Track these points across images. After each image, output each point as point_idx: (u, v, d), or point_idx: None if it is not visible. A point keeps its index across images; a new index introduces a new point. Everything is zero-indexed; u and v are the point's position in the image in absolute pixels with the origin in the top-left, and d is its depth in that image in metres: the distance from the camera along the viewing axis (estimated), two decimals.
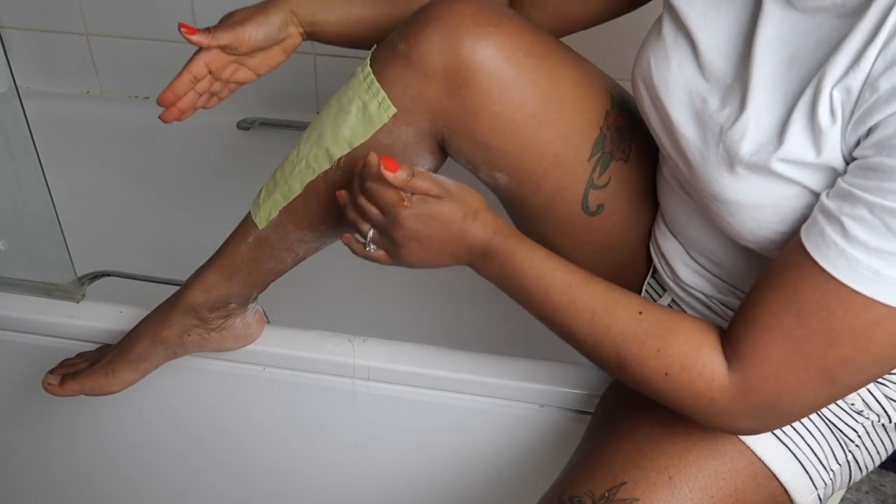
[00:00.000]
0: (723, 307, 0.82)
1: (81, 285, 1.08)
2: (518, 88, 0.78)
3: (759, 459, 0.76)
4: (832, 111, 0.62)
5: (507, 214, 0.90)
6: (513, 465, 1.06)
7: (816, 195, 0.65)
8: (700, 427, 0.74)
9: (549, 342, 0.96)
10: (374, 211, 0.75)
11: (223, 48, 0.87)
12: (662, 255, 0.86)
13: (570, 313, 0.73)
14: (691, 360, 0.68)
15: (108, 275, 1.15)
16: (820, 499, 0.79)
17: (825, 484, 0.78)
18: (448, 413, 1.03)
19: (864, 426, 0.78)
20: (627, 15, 0.89)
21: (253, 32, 0.86)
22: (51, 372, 0.99)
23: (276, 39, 0.88)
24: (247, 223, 0.90)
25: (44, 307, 1.07)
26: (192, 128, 1.51)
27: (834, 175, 0.64)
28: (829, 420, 0.78)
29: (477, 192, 0.77)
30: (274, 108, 1.52)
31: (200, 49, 0.87)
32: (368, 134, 0.81)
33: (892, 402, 0.77)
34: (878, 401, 0.77)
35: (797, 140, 0.64)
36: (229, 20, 0.87)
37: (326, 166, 0.83)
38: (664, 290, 0.89)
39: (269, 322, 1.03)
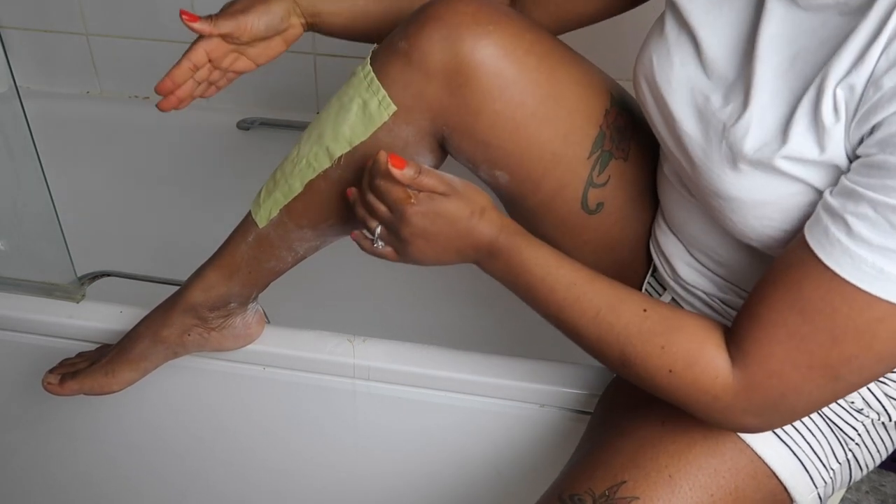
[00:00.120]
0: (723, 305, 0.82)
1: (81, 285, 1.08)
2: (518, 87, 0.78)
3: (759, 458, 0.76)
4: (836, 109, 0.62)
5: (508, 213, 0.90)
6: (513, 465, 1.06)
7: (819, 193, 0.65)
8: (700, 425, 0.74)
9: (550, 342, 0.96)
10: (382, 208, 0.76)
11: (224, 37, 0.86)
12: (662, 254, 0.86)
13: (575, 311, 0.73)
14: (695, 356, 0.68)
15: (108, 275, 1.14)
16: (820, 497, 0.79)
17: (825, 482, 0.78)
18: (448, 413, 1.03)
19: (864, 424, 0.78)
20: (628, 14, 0.90)
21: (255, 22, 0.86)
22: (51, 371, 0.99)
23: (277, 29, 0.88)
24: (247, 222, 0.90)
25: (44, 307, 1.07)
26: (192, 128, 1.52)
27: (837, 173, 0.64)
28: (829, 418, 0.78)
29: (483, 190, 0.78)
30: (274, 108, 1.52)
31: (200, 37, 0.86)
32: (369, 132, 0.81)
33: (892, 400, 0.77)
34: (878, 399, 0.77)
35: (800, 138, 0.64)
36: (231, 9, 0.86)
37: (327, 165, 0.83)
38: (664, 288, 0.89)
39: (269, 322, 1.03)
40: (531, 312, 0.80)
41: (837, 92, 0.62)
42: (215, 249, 0.94)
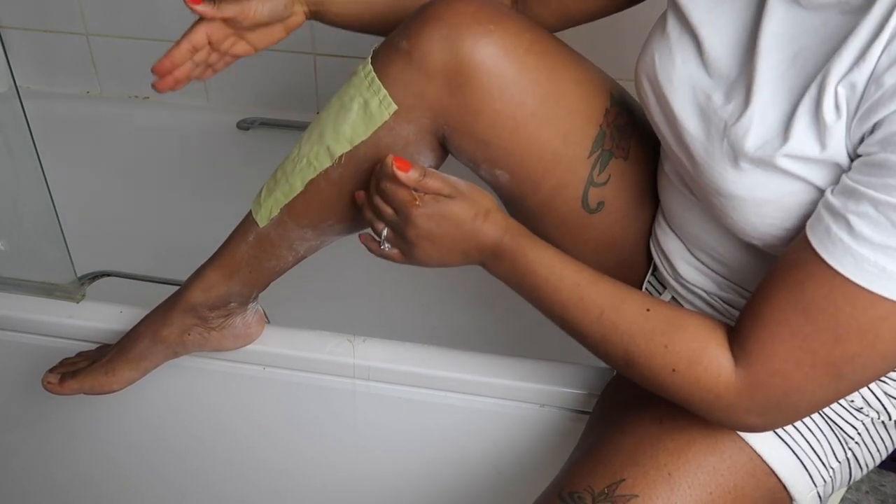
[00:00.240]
0: (724, 304, 0.82)
1: (81, 285, 1.08)
2: (518, 86, 0.78)
3: (759, 456, 0.76)
4: (837, 107, 0.62)
5: (508, 213, 0.90)
6: (513, 465, 1.06)
7: (820, 191, 0.65)
8: (699, 424, 0.74)
9: (550, 342, 0.97)
10: (388, 210, 0.77)
11: (226, 21, 0.85)
12: (663, 253, 0.86)
13: (579, 311, 0.73)
14: (698, 356, 0.68)
15: (108, 275, 1.15)
16: (819, 496, 0.79)
17: (825, 481, 0.78)
18: (448, 413, 1.03)
19: (863, 423, 0.78)
20: (629, 14, 0.90)
21: (259, 7, 0.85)
22: (51, 370, 0.99)
23: (280, 16, 0.88)
24: (248, 222, 0.90)
25: (44, 307, 1.07)
26: (192, 128, 1.52)
27: (838, 171, 0.64)
28: (829, 417, 0.78)
29: (488, 192, 0.78)
30: (274, 108, 1.52)
31: (202, 19, 0.85)
32: (369, 131, 0.81)
33: (891, 399, 0.77)
34: (877, 398, 0.77)
35: (802, 136, 0.64)
36: None
37: (328, 164, 0.83)
38: (664, 287, 0.89)
39: (269, 322, 1.03)
40: (531, 312, 0.80)
41: (839, 90, 0.62)
42: (215, 249, 0.94)
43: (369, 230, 0.83)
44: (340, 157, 0.83)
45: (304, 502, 1.19)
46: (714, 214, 0.74)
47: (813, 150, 0.64)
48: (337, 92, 0.84)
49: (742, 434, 0.76)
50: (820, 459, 0.77)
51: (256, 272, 0.92)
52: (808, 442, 0.77)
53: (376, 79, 0.79)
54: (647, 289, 0.93)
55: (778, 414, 0.68)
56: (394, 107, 0.79)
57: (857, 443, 0.79)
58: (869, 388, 0.77)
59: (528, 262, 0.76)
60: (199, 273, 0.94)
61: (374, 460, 1.11)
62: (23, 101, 0.99)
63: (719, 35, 0.72)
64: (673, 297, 0.88)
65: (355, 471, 1.13)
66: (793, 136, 0.64)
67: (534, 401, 0.99)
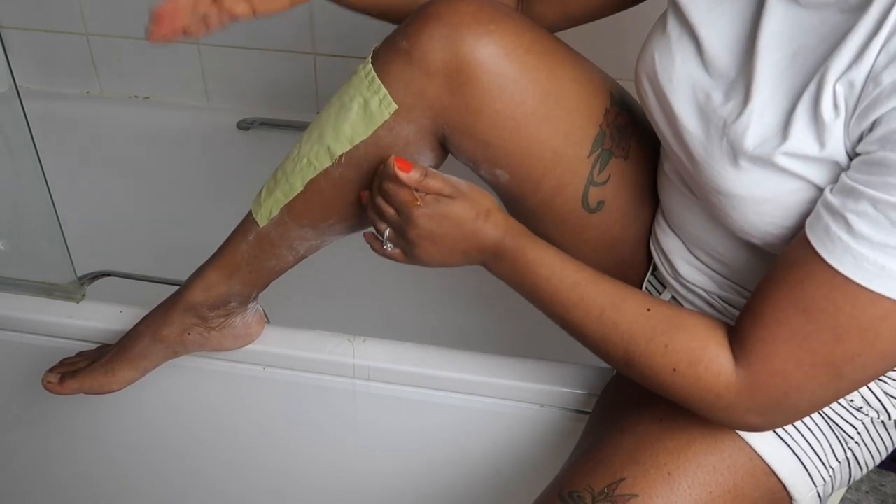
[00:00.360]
0: (724, 304, 0.82)
1: (81, 285, 1.08)
2: (518, 86, 0.78)
3: (758, 456, 0.76)
4: (835, 105, 0.62)
5: (508, 212, 0.90)
6: (513, 465, 1.06)
7: (819, 189, 0.65)
8: (699, 423, 0.74)
9: (550, 342, 0.97)
10: (390, 210, 0.78)
11: None
12: (663, 252, 0.86)
13: (579, 310, 0.73)
14: (698, 355, 0.68)
15: (108, 275, 1.15)
16: (819, 496, 0.79)
17: (824, 481, 0.78)
18: (448, 413, 1.03)
19: (863, 423, 0.78)
20: (629, 14, 0.90)
21: None
22: (51, 370, 0.99)
23: None
24: (248, 221, 0.90)
25: (44, 307, 1.07)
26: (192, 128, 1.52)
27: (837, 170, 0.64)
28: (829, 417, 0.78)
29: (489, 193, 0.79)
30: (274, 108, 1.52)
31: None
32: (370, 131, 0.81)
33: (891, 398, 0.77)
34: (877, 397, 0.77)
35: (801, 134, 0.64)
36: None
37: (328, 163, 0.83)
38: (664, 286, 0.89)
39: (269, 322, 1.03)
40: (531, 312, 0.80)
41: (837, 88, 0.62)
42: (215, 249, 0.94)
43: (373, 229, 0.83)
44: (340, 156, 0.83)
45: (304, 502, 1.19)
46: (714, 213, 0.74)
47: (812, 148, 0.64)
48: (337, 92, 0.84)
49: (742, 434, 0.76)
50: (820, 459, 0.77)
51: (256, 272, 0.92)
52: (807, 442, 0.77)
53: (376, 78, 0.79)
54: (646, 288, 0.93)
55: (778, 413, 0.68)
56: (394, 106, 0.79)
57: (856, 442, 0.79)
58: (868, 387, 0.77)
59: (528, 263, 0.76)
60: (199, 273, 0.94)
61: (374, 460, 1.11)
62: (23, 101, 0.99)
63: (719, 34, 0.72)
64: (673, 297, 0.88)
65: (355, 471, 1.13)
66: (792, 134, 0.64)
67: (534, 401, 0.99)
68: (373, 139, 0.81)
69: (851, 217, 0.60)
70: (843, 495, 1.26)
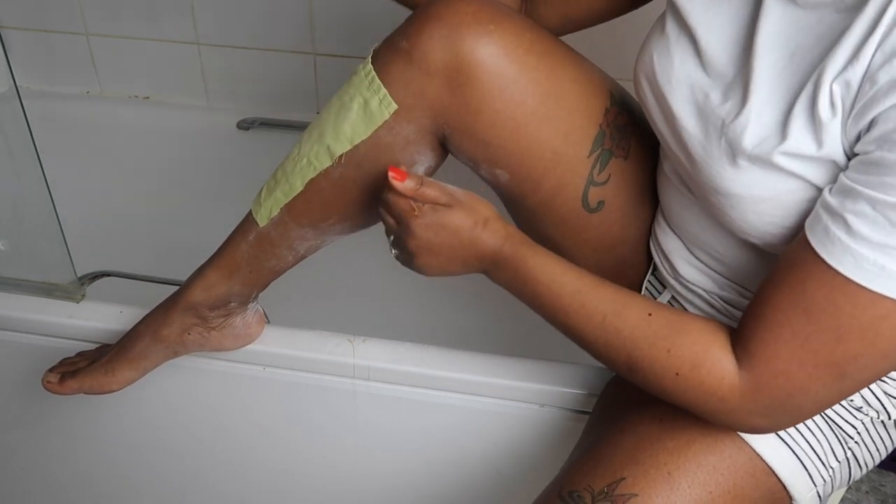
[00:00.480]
0: (724, 304, 0.82)
1: (81, 285, 1.08)
2: (518, 86, 0.78)
3: (758, 455, 0.76)
4: (832, 104, 0.63)
5: (508, 212, 0.90)
6: (513, 465, 1.06)
7: (818, 189, 0.65)
8: (699, 423, 0.74)
9: (550, 342, 0.96)
10: (391, 221, 0.78)
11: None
12: (662, 252, 0.86)
13: (581, 316, 0.73)
14: (700, 359, 0.68)
15: (108, 275, 1.15)
16: (819, 496, 0.79)
17: (824, 481, 0.78)
18: (448, 413, 1.03)
19: (863, 423, 0.78)
20: (628, 16, 0.90)
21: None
22: (51, 370, 0.98)
23: None
24: (248, 221, 0.90)
25: (44, 307, 1.07)
26: (192, 128, 1.52)
27: (835, 169, 0.64)
28: (829, 417, 0.78)
29: (488, 201, 0.78)
30: (274, 108, 1.53)
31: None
32: (370, 131, 0.81)
33: (891, 398, 0.77)
34: (877, 397, 0.77)
35: (799, 133, 0.64)
36: None
37: (328, 163, 0.83)
38: (664, 287, 0.89)
39: (269, 322, 1.03)
40: (531, 313, 0.80)
41: (833, 87, 0.62)
42: (215, 249, 0.94)
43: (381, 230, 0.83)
44: (340, 156, 0.83)
45: (304, 502, 1.19)
46: (713, 213, 0.74)
47: (810, 148, 0.64)
48: (337, 91, 0.84)
49: (742, 434, 0.76)
50: (819, 459, 0.77)
51: (256, 272, 0.92)
52: (807, 441, 0.77)
53: (376, 78, 0.79)
54: (646, 288, 0.93)
55: (783, 415, 0.68)
56: (394, 106, 0.79)
57: (856, 442, 0.79)
58: (868, 387, 0.77)
59: (528, 270, 0.76)
60: (199, 272, 0.94)
61: (374, 460, 1.11)
62: (23, 101, 0.99)
63: (716, 35, 0.73)
64: (673, 297, 0.88)
65: (355, 471, 1.13)
66: (790, 133, 0.64)
67: (534, 401, 0.99)
68: (373, 139, 0.81)
69: (850, 217, 0.60)
70: (843, 495, 1.27)
